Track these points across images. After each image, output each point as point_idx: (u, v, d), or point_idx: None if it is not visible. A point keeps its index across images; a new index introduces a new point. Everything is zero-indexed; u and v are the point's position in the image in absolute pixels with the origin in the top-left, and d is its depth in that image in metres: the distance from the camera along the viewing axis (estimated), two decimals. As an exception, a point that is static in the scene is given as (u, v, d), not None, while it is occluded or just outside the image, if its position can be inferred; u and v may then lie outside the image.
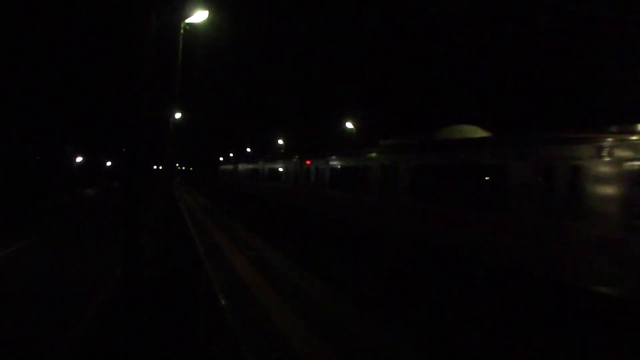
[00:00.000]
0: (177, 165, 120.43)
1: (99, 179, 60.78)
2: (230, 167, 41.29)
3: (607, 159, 6.78)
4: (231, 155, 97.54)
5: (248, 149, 79.43)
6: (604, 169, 6.78)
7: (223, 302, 4.65)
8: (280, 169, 22.81)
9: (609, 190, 6.67)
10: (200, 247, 8.16)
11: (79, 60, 42.97)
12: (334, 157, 16.16)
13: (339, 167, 15.89)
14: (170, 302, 8.05)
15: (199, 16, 15.41)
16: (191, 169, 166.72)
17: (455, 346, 7.67)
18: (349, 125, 36.83)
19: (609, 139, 6.80)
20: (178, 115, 20.16)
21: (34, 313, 7.91)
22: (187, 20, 15.60)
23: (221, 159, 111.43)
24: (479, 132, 11.70)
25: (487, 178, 9.26)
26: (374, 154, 13.34)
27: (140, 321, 5.92)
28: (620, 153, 6.62)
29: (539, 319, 7.17)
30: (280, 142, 58.99)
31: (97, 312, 7.91)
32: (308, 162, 18.38)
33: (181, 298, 7.88)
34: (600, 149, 6.90)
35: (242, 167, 35.54)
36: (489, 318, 7.87)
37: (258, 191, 26.91)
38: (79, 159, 52.61)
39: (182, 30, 15.79)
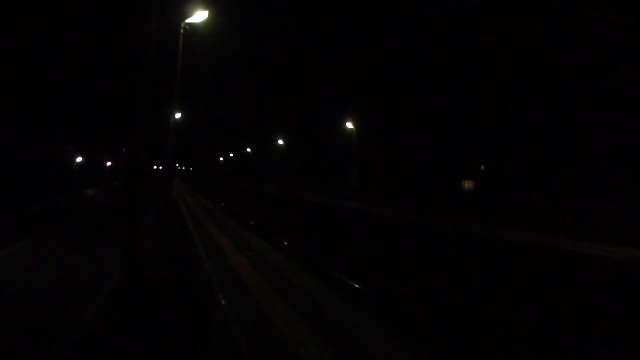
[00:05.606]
0: (177, 165, 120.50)
1: (99, 179, 60.71)
2: None
3: None
4: (231, 155, 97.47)
5: (248, 149, 79.37)
6: None
7: (223, 302, 4.64)
8: None
9: None
10: (200, 247, 8.15)
11: (79, 60, 42.91)
12: None
13: None
14: (171, 303, 8.04)
15: (199, 16, 15.42)
16: (191, 169, 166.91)
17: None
18: (349, 125, 36.82)
19: None
20: (178, 115, 20.16)
21: (32, 314, 7.90)
22: (187, 20, 15.61)
23: (221, 159, 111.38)
24: None
25: None
26: None
27: (140, 322, 5.91)
28: None
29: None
30: (280, 142, 58.97)
31: (96, 313, 7.90)
32: None
33: (181, 298, 7.87)
34: None
35: None
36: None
37: None
38: (79, 159, 52.57)
39: (182, 30, 15.79)
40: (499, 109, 26.38)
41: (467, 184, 29.87)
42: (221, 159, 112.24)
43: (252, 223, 22.64)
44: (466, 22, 27.29)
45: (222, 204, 33.72)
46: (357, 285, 10.74)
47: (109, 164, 69.86)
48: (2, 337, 6.84)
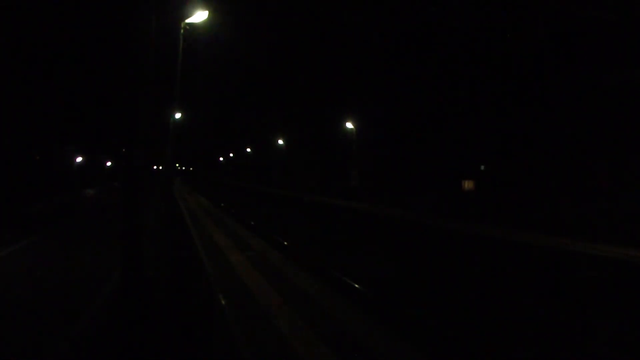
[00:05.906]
0: (177, 165, 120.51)
1: (99, 179, 60.72)
2: None
3: None
4: (231, 155, 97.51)
5: (248, 149, 79.37)
6: None
7: (223, 302, 4.64)
8: None
9: None
10: (200, 247, 8.15)
11: (80, 60, 42.92)
12: None
13: None
14: (170, 303, 8.04)
15: (199, 16, 15.43)
16: (191, 169, 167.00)
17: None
18: (349, 125, 36.85)
19: None
20: (178, 115, 20.16)
21: (32, 314, 7.90)
22: (187, 20, 15.61)
23: (221, 159, 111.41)
24: None
25: None
26: None
27: (140, 321, 5.91)
28: None
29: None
30: (280, 142, 58.98)
31: (97, 313, 7.90)
32: None
33: (181, 298, 7.87)
34: None
35: None
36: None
37: None
38: (79, 159, 52.58)
39: (182, 30, 15.80)
40: (499, 108, 26.39)
41: (467, 184, 29.88)
42: (221, 159, 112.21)
43: (252, 223, 22.64)
44: (466, 21, 27.30)
45: (222, 204, 33.73)
46: (357, 285, 10.75)
47: (109, 164, 69.87)
48: (2, 337, 6.84)
